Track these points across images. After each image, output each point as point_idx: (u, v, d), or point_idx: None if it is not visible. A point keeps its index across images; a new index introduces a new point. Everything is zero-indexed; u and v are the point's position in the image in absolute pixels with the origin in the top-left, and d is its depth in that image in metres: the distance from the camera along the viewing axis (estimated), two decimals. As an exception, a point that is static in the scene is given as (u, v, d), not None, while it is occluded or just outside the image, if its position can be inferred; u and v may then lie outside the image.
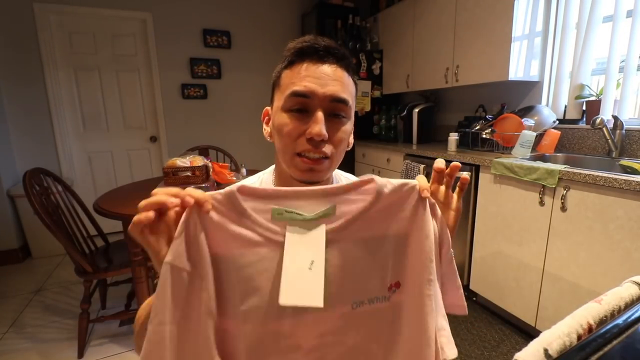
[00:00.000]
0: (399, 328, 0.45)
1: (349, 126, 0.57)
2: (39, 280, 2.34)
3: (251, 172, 1.99)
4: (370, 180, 0.43)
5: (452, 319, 1.87)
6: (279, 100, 0.56)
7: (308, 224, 0.41)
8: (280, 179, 0.64)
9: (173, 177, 1.53)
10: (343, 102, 0.54)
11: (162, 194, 0.39)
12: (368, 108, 3.10)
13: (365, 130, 3.13)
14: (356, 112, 3.01)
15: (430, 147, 2.32)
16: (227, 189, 0.39)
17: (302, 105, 0.53)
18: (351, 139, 0.63)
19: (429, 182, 0.48)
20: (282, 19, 3.51)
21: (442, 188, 0.51)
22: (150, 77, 3.11)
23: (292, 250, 0.40)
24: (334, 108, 0.54)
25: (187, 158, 1.61)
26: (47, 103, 2.78)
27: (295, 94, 0.53)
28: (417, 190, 0.44)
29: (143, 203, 0.38)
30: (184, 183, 1.53)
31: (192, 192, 0.38)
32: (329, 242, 0.41)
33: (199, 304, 0.38)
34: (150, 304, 0.47)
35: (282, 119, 0.55)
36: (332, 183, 0.66)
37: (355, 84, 0.59)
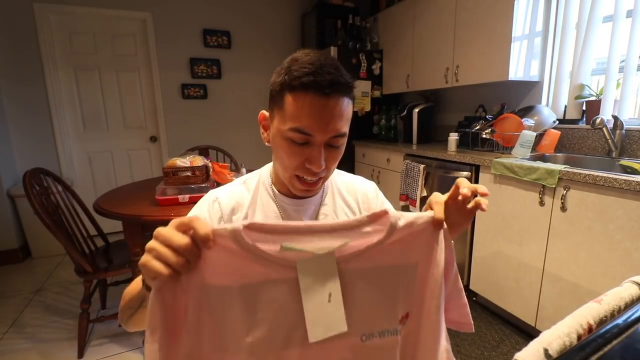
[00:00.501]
0: (410, 358, 0.45)
1: (343, 148, 0.62)
2: (39, 280, 2.34)
3: (251, 172, 1.99)
4: (384, 214, 0.43)
5: (452, 319, 1.86)
6: (280, 123, 0.58)
7: (319, 258, 0.40)
8: (278, 180, 0.68)
9: (173, 177, 1.53)
10: (342, 135, 0.59)
11: (169, 234, 0.37)
12: (368, 108, 3.10)
13: (365, 130, 3.13)
14: (356, 112, 3.02)
15: (430, 147, 2.32)
16: (234, 226, 0.38)
17: (304, 141, 0.57)
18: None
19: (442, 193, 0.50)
20: (282, 19, 3.51)
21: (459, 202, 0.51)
22: (150, 77, 3.11)
23: (308, 288, 0.40)
24: (334, 141, 0.58)
25: (187, 158, 1.61)
26: (47, 103, 2.78)
27: (299, 131, 0.55)
28: (430, 222, 0.44)
29: (158, 252, 0.37)
30: (184, 183, 1.53)
31: (197, 227, 0.37)
32: (339, 272, 0.41)
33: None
34: (135, 286, 0.51)
35: (282, 144, 0.58)
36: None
37: (353, 100, 0.61)
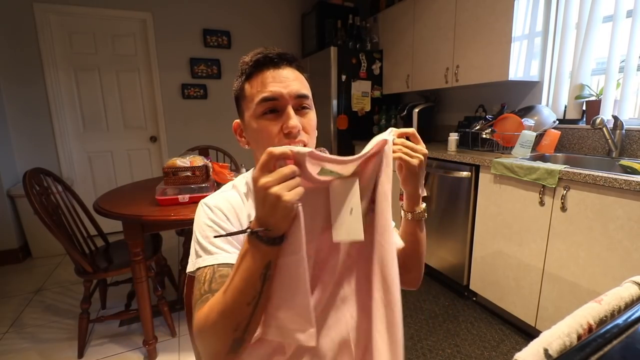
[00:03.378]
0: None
1: (313, 115, 0.66)
2: (39, 280, 2.34)
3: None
4: (385, 142, 0.55)
5: (452, 320, 1.88)
6: (249, 110, 0.62)
7: (345, 181, 0.53)
8: None
9: (173, 177, 1.53)
10: (305, 96, 0.62)
11: (278, 173, 0.45)
12: (368, 108, 3.09)
13: (365, 130, 3.13)
14: (356, 112, 3.02)
15: (430, 147, 2.32)
16: (304, 150, 0.46)
17: (273, 107, 0.60)
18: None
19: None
20: (282, 19, 3.51)
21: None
22: (150, 77, 3.12)
23: (336, 201, 0.53)
24: (300, 103, 0.62)
25: (187, 158, 1.61)
26: (47, 103, 2.78)
27: (265, 99, 0.59)
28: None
29: (278, 154, 0.45)
30: (184, 183, 1.53)
31: (280, 153, 0.45)
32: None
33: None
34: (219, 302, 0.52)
35: (258, 124, 0.61)
36: None
37: (304, 74, 0.67)
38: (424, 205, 0.70)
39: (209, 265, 0.58)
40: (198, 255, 0.60)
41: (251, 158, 0.71)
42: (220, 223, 0.62)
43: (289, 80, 0.61)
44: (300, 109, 0.63)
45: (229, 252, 0.59)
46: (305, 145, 0.62)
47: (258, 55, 0.62)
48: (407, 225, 0.71)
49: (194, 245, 0.62)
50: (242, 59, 0.64)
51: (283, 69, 0.62)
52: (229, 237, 0.60)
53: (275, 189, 0.43)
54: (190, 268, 0.61)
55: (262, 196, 0.44)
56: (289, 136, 0.60)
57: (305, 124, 0.63)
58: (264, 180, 0.44)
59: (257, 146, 0.64)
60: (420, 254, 0.73)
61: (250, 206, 0.67)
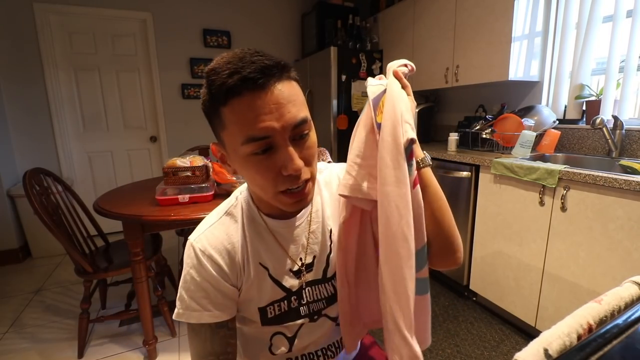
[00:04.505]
0: None
1: (313, 136, 0.54)
2: (39, 280, 2.34)
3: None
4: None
5: (452, 320, 1.88)
6: (232, 144, 0.50)
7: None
8: (261, 201, 0.60)
9: (173, 177, 1.53)
10: (303, 122, 0.50)
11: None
12: (368, 108, 3.09)
13: (365, 130, 3.12)
14: (356, 112, 3.02)
15: (430, 147, 2.32)
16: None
17: (266, 146, 0.48)
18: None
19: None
20: (282, 19, 3.51)
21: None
22: (150, 77, 3.12)
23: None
24: (298, 132, 0.50)
25: (187, 158, 1.61)
26: (47, 103, 2.78)
27: (254, 139, 0.47)
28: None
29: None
30: (184, 183, 1.53)
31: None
32: None
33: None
34: None
35: (247, 164, 0.50)
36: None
37: (297, 80, 0.52)
38: (423, 153, 0.60)
39: (207, 325, 0.58)
40: (183, 308, 0.58)
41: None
42: (205, 278, 0.57)
43: (282, 107, 0.47)
44: (298, 139, 0.51)
45: (210, 312, 0.57)
46: (308, 183, 0.54)
47: (233, 78, 0.45)
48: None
49: (181, 292, 0.58)
50: (208, 71, 0.48)
51: (272, 90, 0.46)
52: (217, 300, 0.58)
53: None
54: (177, 317, 0.58)
55: None
56: (290, 178, 0.50)
57: (307, 157, 0.52)
58: None
59: (250, 184, 0.55)
60: (439, 220, 0.59)
61: (248, 239, 0.60)
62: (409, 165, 0.52)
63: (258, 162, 0.49)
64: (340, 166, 0.71)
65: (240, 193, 0.64)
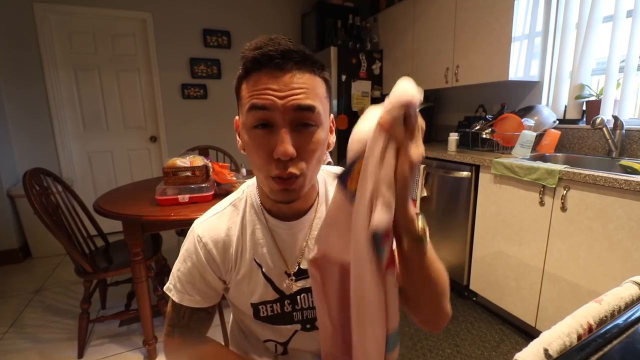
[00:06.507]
0: None
1: (320, 134, 0.51)
2: (39, 280, 2.34)
3: (251, 172, 1.99)
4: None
5: (452, 320, 1.88)
6: (242, 116, 0.52)
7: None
8: (264, 195, 0.60)
9: (173, 177, 1.53)
10: (309, 109, 0.49)
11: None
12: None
13: (365, 130, 3.12)
14: (356, 112, 3.02)
15: (430, 147, 2.32)
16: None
17: (265, 120, 0.48)
18: (332, 139, 0.60)
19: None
20: (282, 19, 3.51)
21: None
22: (150, 77, 3.12)
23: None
24: (300, 118, 0.49)
25: (187, 158, 1.61)
26: (47, 103, 2.78)
27: (255, 107, 0.48)
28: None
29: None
30: (184, 183, 1.53)
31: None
32: None
33: None
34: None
35: (247, 137, 0.51)
36: (317, 192, 0.64)
37: (326, 80, 0.53)
38: (421, 219, 0.43)
39: (187, 307, 0.63)
40: (173, 285, 0.64)
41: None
42: (195, 264, 0.62)
43: (291, 90, 0.48)
44: (302, 126, 0.49)
45: (191, 296, 0.63)
46: (298, 179, 0.51)
47: (257, 52, 0.48)
48: (402, 254, 0.47)
49: (174, 268, 0.65)
50: (244, 47, 0.52)
51: (287, 72, 0.48)
52: (200, 287, 0.63)
53: None
54: (165, 289, 0.65)
55: None
56: (279, 165, 0.49)
57: (302, 148, 0.49)
58: None
59: (252, 165, 0.54)
60: (431, 292, 0.50)
61: (246, 231, 0.62)
62: (379, 250, 0.42)
63: (257, 137, 0.50)
64: None
65: (248, 187, 0.65)
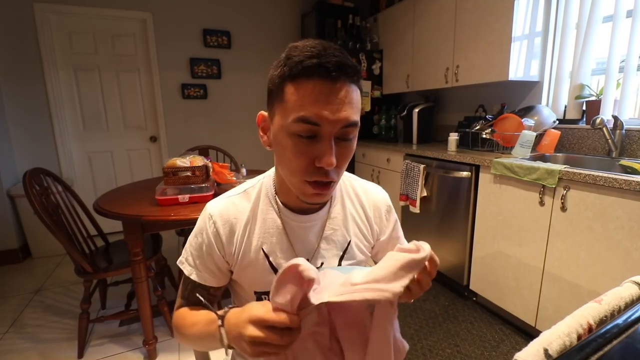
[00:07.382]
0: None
1: (354, 146, 0.55)
2: (39, 280, 2.34)
3: (251, 172, 1.99)
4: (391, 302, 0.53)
5: (452, 320, 1.88)
6: (282, 118, 0.52)
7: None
8: (282, 189, 0.63)
9: (173, 177, 1.53)
10: (354, 125, 0.52)
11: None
12: (368, 108, 3.10)
13: (365, 130, 3.12)
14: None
15: (430, 147, 2.32)
16: (318, 303, 0.42)
17: (313, 133, 0.50)
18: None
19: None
20: (282, 19, 3.51)
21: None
22: (150, 77, 3.11)
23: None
24: (346, 133, 0.52)
25: (187, 158, 1.61)
26: (47, 103, 2.78)
27: (305, 121, 0.49)
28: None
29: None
30: (184, 183, 1.53)
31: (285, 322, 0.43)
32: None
33: None
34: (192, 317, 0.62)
35: (288, 142, 0.52)
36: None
37: (361, 89, 0.55)
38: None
39: (193, 281, 0.65)
40: (185, 258, 0.67)
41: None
42: (204, 240, 0.64)
43: (341, 104, 0.49)
44: (342, 140, 0.52)
45: (198, 272, 0.65)
46: (332, 184, 0.55)
47: (312, 60, 0.48)
48: None
49: (187, 243, 0.67)
50: (291, 47, 0.52)
51: (340, 86, 0.49)
52: (208, 265, 0.65)
53: (251, 348, 0.44)
54: (178, 262, 0.67)
55: (238, 336, 0.46)
56: (320, 172, 0.52)
57: (341, 160, 0.53)
58: (253, 334, 0.43)
59: (280, 161, 0.56)
60: None
61: (256, 218, 0.64)
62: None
63: (298, 144, 0.51)
64: (383, 194, 0.74)
65: (264, 177, 0.67)
